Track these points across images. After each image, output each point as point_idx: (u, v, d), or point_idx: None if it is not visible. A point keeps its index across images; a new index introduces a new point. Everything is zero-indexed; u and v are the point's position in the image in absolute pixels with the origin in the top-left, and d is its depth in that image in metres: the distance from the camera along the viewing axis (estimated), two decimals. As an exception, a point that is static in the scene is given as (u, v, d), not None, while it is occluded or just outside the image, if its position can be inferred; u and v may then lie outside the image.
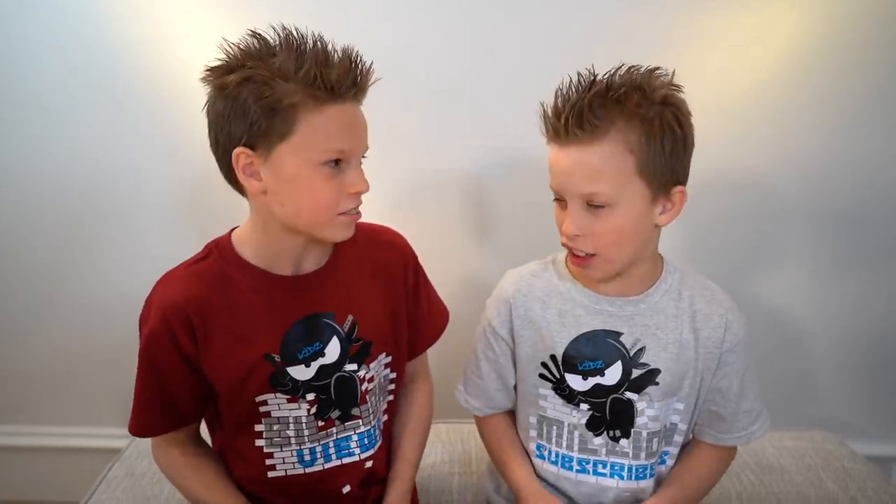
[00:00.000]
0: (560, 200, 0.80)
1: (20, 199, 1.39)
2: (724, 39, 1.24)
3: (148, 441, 0.89)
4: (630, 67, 0.76)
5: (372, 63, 0.78)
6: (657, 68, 0.77)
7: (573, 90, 0.76)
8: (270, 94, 0.71)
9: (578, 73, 0.77)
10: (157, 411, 0.83)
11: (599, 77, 0.76)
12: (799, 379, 1.49)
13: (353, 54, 0.76)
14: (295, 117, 0.73)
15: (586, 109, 0.73)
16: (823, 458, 1.18)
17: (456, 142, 1.29)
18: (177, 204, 1.38)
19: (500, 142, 1.29)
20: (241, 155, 0.74)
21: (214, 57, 0.76)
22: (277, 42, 0.74)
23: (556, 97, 0.77)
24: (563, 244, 0.81)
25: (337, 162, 0.76)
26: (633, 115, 0.73)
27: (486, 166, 1.32)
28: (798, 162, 1.32)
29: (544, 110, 0.78)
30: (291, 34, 0.74)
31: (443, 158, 1.29)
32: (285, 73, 0.71)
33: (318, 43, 0.75)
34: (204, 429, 0.92)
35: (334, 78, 0.73)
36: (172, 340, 0.79)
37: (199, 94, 0.79)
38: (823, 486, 1.10)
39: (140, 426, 0.84)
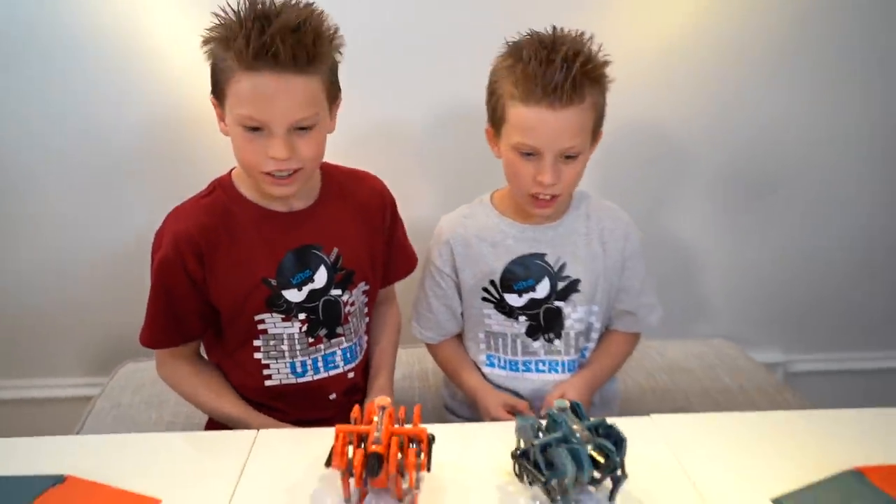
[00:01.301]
0: (530, 155, 0.92)
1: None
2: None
3: (127, 377, 1.02)
4: (577, 34, 0.91)
5: (329, 33, 0.86)
6: (586, 33, 0.93)
7: (556, 59, 0.87)
8: (214, 57, 0.85)
9: (539, 38, 0.90)
10: (166, 327, 0.97)
11: (561, 42, 0.89)
12: (703, 298, 1.75)
13: (300, 25, 0.83)
14: (226, 80, 0.85)
15: (579, 80, 0.87)
16: (722, 360, 1.42)
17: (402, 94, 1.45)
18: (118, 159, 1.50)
19: (441, 96, 1.46)
20: (211, 101, 0.90)
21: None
22: (245, 10, 0.85)
23: (532, 62, 0.87)
24: (531, 193, 0.94)
25: (255, 128, 0.85)
26: (597, 80, 0.91)
27: (427, 117, 1.48)
28: (704, 112, 1.54)
29: (524, 71, 0.88)
30: (256, 4, 0.85)
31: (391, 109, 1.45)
32: (228, 39, 0.83)
33: (264, 14, 0.83)
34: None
35: (257, 48, 0.81)
36: (182, 265, 0.92)
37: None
38: (721, 381, 1.34)
39: (151, 339, 0.98)
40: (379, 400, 0.68)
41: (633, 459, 0.64)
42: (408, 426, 0.67)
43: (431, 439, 0.67)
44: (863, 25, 1.51)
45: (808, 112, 1.57)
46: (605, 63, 0.91)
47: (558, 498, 0.64)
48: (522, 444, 0.69)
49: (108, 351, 1.64)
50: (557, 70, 0.86)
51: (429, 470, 0.66)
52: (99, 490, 0.67)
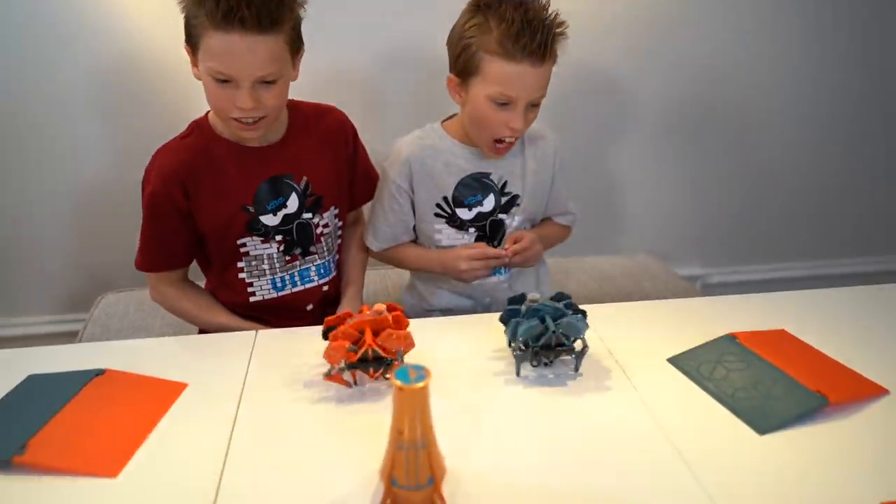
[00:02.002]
0: (504, 105, 1.04)
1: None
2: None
3: (110, 306, 1.15)
4: None
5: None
6: None
7: (535, 20, 0.99)
8: (188, 11, 0.95)
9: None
10: (158, 252, 1.09)
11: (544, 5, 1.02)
12: (631, 219, 1.97)
13: None
14: (198, 35, 0.95)
15: (552, 39, 1.01)
16: (644, 271, 1.63)
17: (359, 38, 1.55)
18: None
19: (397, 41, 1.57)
20: (185, 49, 0.98)
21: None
22: None
23: (517, 22, 0.99)
24: (497, 137, 1.07)
25: (224, 80, 0.94)
26: (563, 38, 1.04)
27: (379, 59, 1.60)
28: (639, 52, 1.72)
29: (507, 32, 0.99)
30: None
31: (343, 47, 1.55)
32: None
33: None
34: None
35: (225, 11, 0.89)
36: (169, 197, 1.03)
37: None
38: (642, 288, 1.54)
39: (144, 263, 1.09)
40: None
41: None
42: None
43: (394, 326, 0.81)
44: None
45: (736, 56, 1.77)
46: (565, 22, 1.04)
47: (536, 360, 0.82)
48: (530, 334, 0.82)
49: (83, 287, 1.73)
50: (538, 32, 0.99)
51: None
52: (134, 379, 0.80)
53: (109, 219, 1.65)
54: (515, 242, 1.13)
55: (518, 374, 0.83)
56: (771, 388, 0.76)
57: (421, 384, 0.55)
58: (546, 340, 0.81)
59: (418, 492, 0.59)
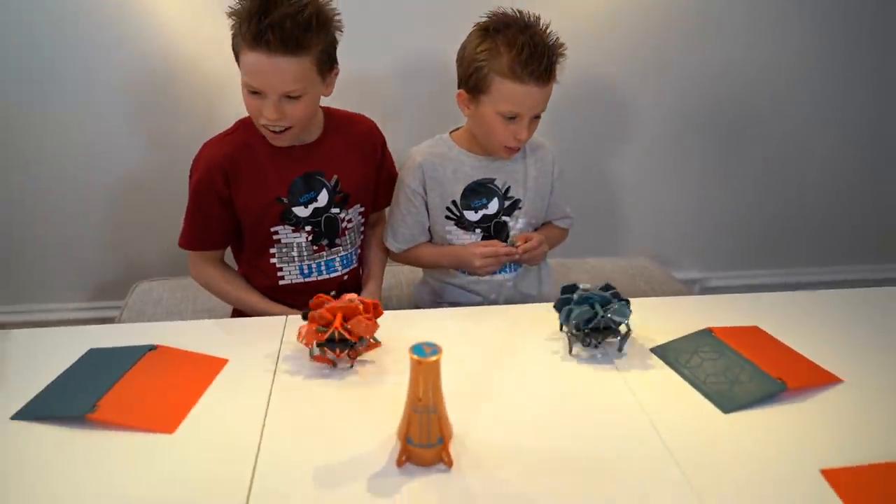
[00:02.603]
0: (513, 118, 1.16)
1: None
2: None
3: (145, 293, 1.34)
4: (536, 17, 1.16)
5: (326, 19, 1.07)
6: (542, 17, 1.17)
7: (540, 48, 1.11)
8: (233, 28, 1.07)
9: (516, 24, 1.13)
10: (199, 233, 1.21)
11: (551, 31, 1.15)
12: (633, 224, 2.08)
13: (295, 15, 1.01)
14: (238, 49, 1.08)
15: (554, 63, 1.14)
16: (642, 273, 1.74)
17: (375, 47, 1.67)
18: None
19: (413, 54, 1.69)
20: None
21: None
22: None
23: (525, 48, 1.10)
24: (507, 145, 1.19)
25: (255, 91, 1.07)
26: (562, 59, 1.16)
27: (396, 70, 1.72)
28: (640, 66, 1.83)
29: (517, 58, 1.10)
30: None
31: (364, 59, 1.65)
32: (240, 19, 1.05)
33: (268, 3, 1.03)
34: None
35: (255, 33, 1.02)
36: (213, 185, 1.16)
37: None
38: (639, 288, 1.66)
39: (187, 242, 1.22)
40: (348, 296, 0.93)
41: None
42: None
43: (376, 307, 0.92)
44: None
45: (730, 66, 1.87)
46: (564, 44, 1.16)
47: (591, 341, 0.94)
48: (581, 318, 0.93)
49: (117, 276, 1.85)
50: (544, 56, 1.12)
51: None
52: (182, 354, 0.92)
53: (141, 211, 1.79)
54: (525, 242, 1.24)
55: (570, 352, 0.95)
56: (738, 374, 0.86)
57: (434, 358, 0.67)
58: (595, 324, 0.92)
59: (429, 449, 0.70)
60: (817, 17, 1.86)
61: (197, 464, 0.72)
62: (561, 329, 0.97)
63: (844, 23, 1.87)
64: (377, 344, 0.92)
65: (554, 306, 0.98)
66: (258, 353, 0.94)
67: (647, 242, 2.10)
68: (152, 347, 0.92)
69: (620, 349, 0.95)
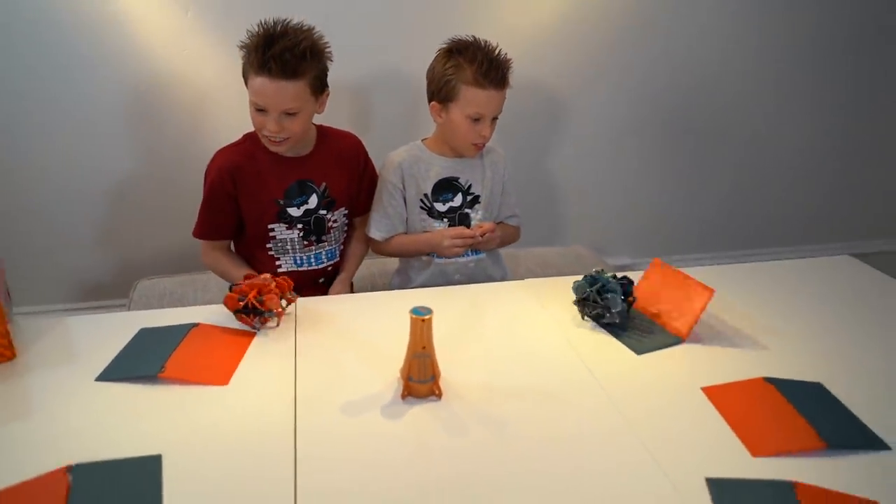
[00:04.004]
0: (476, 120, 1.42)
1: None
2: None
3: (148, 289, 1.59)
4: (487, 41, 1.43)
5: (319, 51, 1.31)
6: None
7: (496, 60, 1.39)
8: (244, 56, 1.31)
9: (475, 45, 1.41)
10: (211, 226, 1.45)
11: (489, 48, 1.42)
12: (570, 217, 2.39)
13: (293, 48, 1.26)
14: (246, 74, 1.33)
15: (507, 72, 1.41)
16: (577, 260, 2.04)
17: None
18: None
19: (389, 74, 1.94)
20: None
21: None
22: (261, 31, 1.30)
23: (483, 61, 1.37)
24: (474, 142, 1.45)
25: (260, 109, 1.32)
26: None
27: (371, 83, 1.95)
28: (579, 73, 2.12)
29: (478, 70, 1.37)
30: (277, 23, 1.30)
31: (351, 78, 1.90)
32: (248, 50, 1.30)
33: (274, 33, 1.28)
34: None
35: (261, 61, 1.27)
36: (223, 187, 1.39)
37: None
38: (573, 269, 1.95)
39: (201, 232, 1.46)
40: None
41: (517, 302, 1.22)
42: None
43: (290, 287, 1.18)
44: None
45: (658, 69, 2.18)
46: (511, 59, 1.44)
47: (607, 316, 1.16)
48: (578, 295, 1.18)
49: (115, 276, 2.03)
50: (499, 67, 1.40)
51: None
52: (218, 330, 1.14)
53: (134, 214, 1.97)
54: (481, 226, 1.51)
55: (583, 318, 1.20)
56: (648, 329, 1.16)
57: (428, 317, 0.92)
58: (587, 296, 1.18)
59: (425, 384, 0.96)
60: (786, 16, 2.15)
61: (250, 407, 0.96)
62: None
63: (813, 23, 2.18)
64: (282, 313, 1.17)
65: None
66: (279, 327, 1.17)
67: (586, 233, 2.41)
68: (195, 325, 1.14)
69: (604, 320, 1.18)
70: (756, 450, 0.88)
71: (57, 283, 1.99)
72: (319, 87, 1.36)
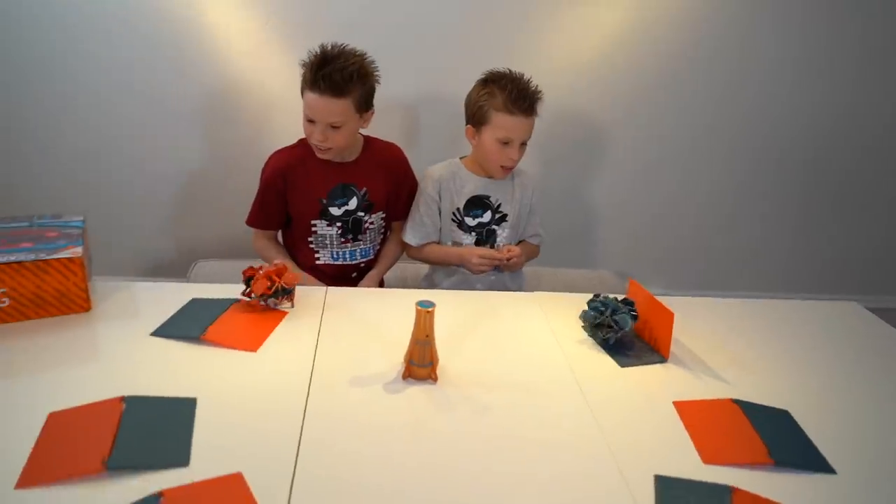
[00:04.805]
0: (506, 144, 1.57)
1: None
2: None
3: (204, 270, 1.79)
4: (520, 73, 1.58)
5: (366, 73, 1.49)
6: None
7: (526, 90, 1.53)
8: (302, 75, 1.49)
9: (509, 76, 1.55)
10: (264, 216, 1.64)
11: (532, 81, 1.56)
12: (601, 241, 2.48)
13: (342, 69, 1.44)
14: (302, 88, 1.50)
15: (536, 102, 1.55)
16: (603, 283, 2.13)
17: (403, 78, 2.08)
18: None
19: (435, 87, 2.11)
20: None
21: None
22: (318, 52, 1.48)
23: (513, 90, 1.52)
24: (503, 165, 1.60)
25: (310, 120, 1.50)
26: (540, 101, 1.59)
27: (419, 104, 2.13)
28: (612, 102, 2.23)
29: (508, 97, 1.52)
30: (335, 47, 1.48)
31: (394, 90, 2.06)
32: (305, 68, 1.48)
33: (328, 55, 1.46)
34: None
35: (312, 79, 1.46)
36: (275, 184, 1.59)
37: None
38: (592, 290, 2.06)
39: (254, 221, 1.65)
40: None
41: (522, 310, 1.35)
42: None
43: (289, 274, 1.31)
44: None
45: (695, 100, 2.27)
46: (542, 91, 1.58)
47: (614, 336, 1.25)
48: (591, 317, 1.26)
49: (176, 256, 2.26)
50: (528, 97, 1.55)
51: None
52: (255, 306, 1.32)
53: (200, 202, 2.19)
54: (510, 250, 1.65)
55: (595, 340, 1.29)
56: (632, 348, 1.27)
57: (431, 309, 1.07)
58: (602, 321, 1.25)
59: (423, 368, 1.10)
60: (785, 53, 2.21)
61: (272, 371, 1.12)
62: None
63: (812, 56, 2.23)
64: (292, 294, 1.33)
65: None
66: (308, 309, 1.34)
67: (617, 260, 2.51)
68: (236, 300, 1.32)
69: (611, 342, 1.26)
70: (707, 458, 0.98)
71: (128, 259, 2.24)
72: (364, 106, 1.53)
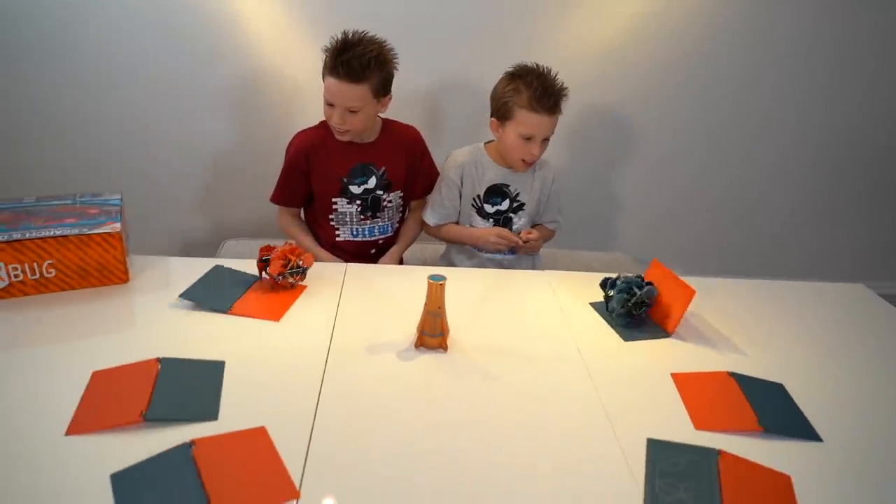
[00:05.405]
0: (529, 139, 1.60)
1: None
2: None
3: (232, 248, 1.86)
4: (547, 67, 1.61)
5: (385, 60, 1.54)
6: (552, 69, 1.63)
7: (551, 87, 1.56)
8: (323, 61, 1.55)
9: (535, 71, 1.58)
10: (288, 193, 1.73)
11: (558, 77, 1.59)
12: (617, 225, 2.53)
13: (361, 55, 1.49)
14: (323, 73, 1.56)
15: (560, 99, 1.59)
16: (614, 264, 2.19)
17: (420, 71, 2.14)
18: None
19: (455, 79, 2.16)
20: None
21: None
22: (339, 38, 1.54)
23: (539, 88, 1.54)
24: (524, 159, 1.63)
25: (330, 104, 1.56)
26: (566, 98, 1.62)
27: (441, 90, 2.19)
28: (639, 96, 2.26)
29: (533, 95, 1.54)
30: (355, 34, 1.54)
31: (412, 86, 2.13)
32: (327, 53, 1.54)
33: (348, 42, 1.52)
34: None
35: (332, 64, 1.53)
36: (298, 163, 1.67)
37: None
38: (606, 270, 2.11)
39: (278, 198, 1.74)
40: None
41: (532, 285, 1.41)
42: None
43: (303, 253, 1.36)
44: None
45: (712, 95, 2.30)
46: (567, 88, 1.62)
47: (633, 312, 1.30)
48: (623, 299, 1.29)
49: (206, 235, 2.36)
50: (552, 95, 1.58)
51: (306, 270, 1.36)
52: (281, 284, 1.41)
53: (230, 182, 2.29)
54: (528, 233, 1.71)
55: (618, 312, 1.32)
56: (641, 324, 1.32)
57: (442, 282, 1.14)
58: (638, 299, 1.30)
59: (434, 338, 1.18)
60: (796, 51, 2.22)
61: (294, 339, 1.21)
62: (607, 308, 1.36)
63: (821, 57, 2.24)
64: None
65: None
66: (328, 283, 1.42)
67: (634, 244, 2.54)
68: (258, 277, 1.40)
69: (645, 316, 1.32)
70: (699, 424, 1.04)
71: (160, 238, 2.35)
72: (382, 91, 1.60)
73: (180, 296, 1.29)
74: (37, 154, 2.19)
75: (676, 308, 1.30)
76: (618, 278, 1.37)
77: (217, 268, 1.42)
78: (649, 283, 1.34)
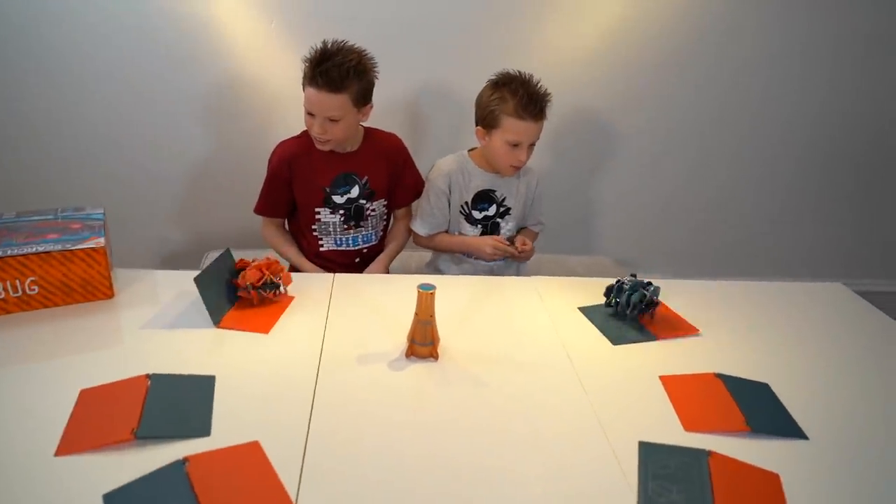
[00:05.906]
0: (516, 145, 1.62)
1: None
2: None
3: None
4: (530, 75, 1.62)
5: (364, 69, 1.55)
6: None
7: (536, 95, 1.57)
8: (303, 70, 1.55)
9: (519, 78, 1.60)
10: (269, 204, 1.72)
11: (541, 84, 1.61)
12: (599, 229, 2.55)
13: (339, 65, 1.50)
14: (303, 83, 1.56)
15: (545, 106, 1.60)
16: (598, 268, 2.22)
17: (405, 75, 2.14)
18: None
19: (440, 88, 2.17)
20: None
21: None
22: (319, 49, 1.55)
23: (524, 96, 1.55)
24: (512, 165, 1.65)
25: (310, 113, 1.56)
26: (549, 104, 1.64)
27: (422, 97, 2.19)
28: (635, 99, 2.28)
29: (519, 103, 1.56)
30: (334, 44, 1.55)
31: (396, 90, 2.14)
32: (306, 64, 1.54)
33: (327, 51, 1.52)
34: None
35: (311, 74, 1.53)
36: (281, 173, 1.66)
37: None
38: (591, 275, 2.13)
39: (261, 209, 1.73)
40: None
41: (519, 291, 1.42)
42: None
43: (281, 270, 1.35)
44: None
45: (694, 97, 2.31)
46: (550, 93, 1.64)
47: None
48: (636, 298, 1.32)
49: (187, 247, 2.34)
50: (537, 102, 1.60)
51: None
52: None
53: (208, 194, 2.27)
54: (524, 244, 1.73)
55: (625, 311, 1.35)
56: (630, 326, 1.34)
57: (432, 291, 1.14)
58: (648, 300, 1.33)
59: (425, 347, 1.18)
60: (782, 50, 2.24)
61: (284, 351, 1.20)
62: (610, 305, 1.39)
63: (804, 56, 2.27)
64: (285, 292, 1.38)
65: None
66: (317, 294, 1.42)
67: (618, 247, 2.56)
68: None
69: (653, 315, 1.35)
70: (689, 426, 1.05)
71: (141, 251, 2.32)
72: (362, 100, 1.60)
73: (195, 279, 1.26)
74: (11, 155, 2.15)
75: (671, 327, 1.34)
76: (619, 282, 1.39)
77: (227, 252, 1.39)
78: (650, 283, 1.37)
